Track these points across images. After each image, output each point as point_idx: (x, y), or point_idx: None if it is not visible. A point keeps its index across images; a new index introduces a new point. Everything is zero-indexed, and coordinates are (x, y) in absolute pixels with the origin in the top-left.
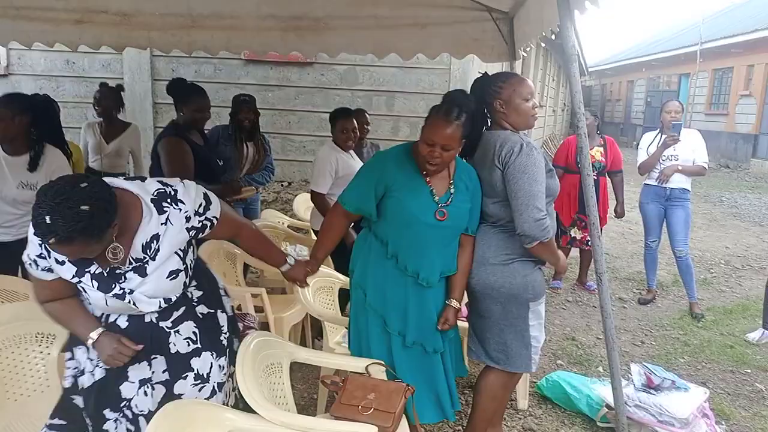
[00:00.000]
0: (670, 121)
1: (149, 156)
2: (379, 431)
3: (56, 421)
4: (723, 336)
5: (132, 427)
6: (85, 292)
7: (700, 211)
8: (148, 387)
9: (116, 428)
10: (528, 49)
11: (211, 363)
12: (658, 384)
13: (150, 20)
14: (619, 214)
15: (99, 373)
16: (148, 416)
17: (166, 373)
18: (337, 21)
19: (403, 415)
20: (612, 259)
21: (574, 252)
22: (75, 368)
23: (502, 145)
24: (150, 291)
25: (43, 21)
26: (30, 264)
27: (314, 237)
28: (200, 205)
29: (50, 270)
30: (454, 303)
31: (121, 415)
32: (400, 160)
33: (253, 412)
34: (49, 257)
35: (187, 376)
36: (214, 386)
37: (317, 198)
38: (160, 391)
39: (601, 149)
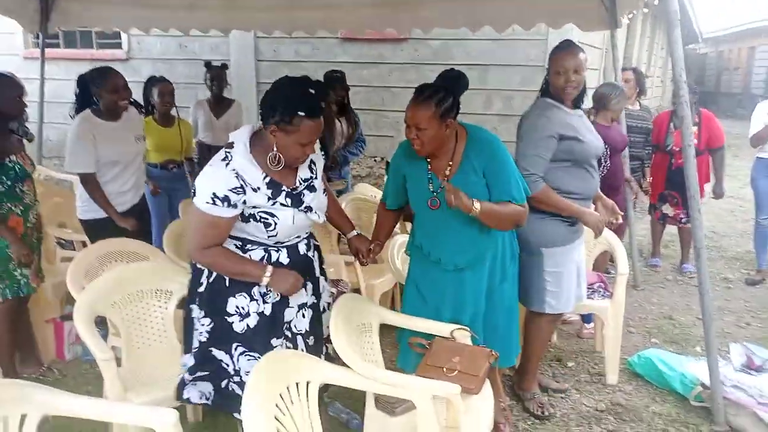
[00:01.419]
0: None
1: None
2: (463, 392)
3: (200, 372)
4: None
5: (290, 345)
6: (275, 217)
7: None
8: (305, 309)
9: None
10: (631, 15)
11: (323, 286)
12: (759, 365)
13: (254, 3)
14: (718, 194)
15: (267, 309)
16: (304, 335)
17: (313, 296)
18: None
19: (487, 379)
20: (719, 237)
21: (673, 229)
22: (212, 324)
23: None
24: (317, 205)
25: (159, 8)
26: (212, 202)
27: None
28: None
29: (235, 206)
30: (476, 205)
31: (284, 338)
32: (406, 150)
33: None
34: (245, 187)
35: (322, 294)
36: (325, 304)
37: None
38: (310, 313)
39: (695, 129)
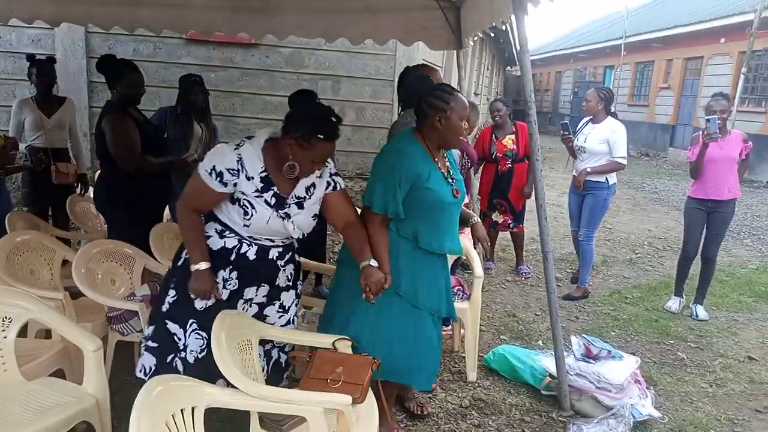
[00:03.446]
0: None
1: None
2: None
3: (151, 343)
4: (648, 311)
5: None
6: (254, 209)
7: (624, 196)
8: (248, 305)
9: None
10: (475, 38)
11: (293, 299)
12: (596, 354)
13: None
14: (527, 194)
15: (225, 295)
16: None
17: (265, 297)
18: (287, 3)
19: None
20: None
21: (507, 235)
22: (175, 296)
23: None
24: (299, 222)
25: None
26: (209, 172)
27: None
28: (334, 169)
29: (226, 184)
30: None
31: None
32: (414, 151)
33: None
34: (241, 172)
35: (275, 303)
36: (291, 318)
37: None
38: (254, 309)
39: (513, 137)
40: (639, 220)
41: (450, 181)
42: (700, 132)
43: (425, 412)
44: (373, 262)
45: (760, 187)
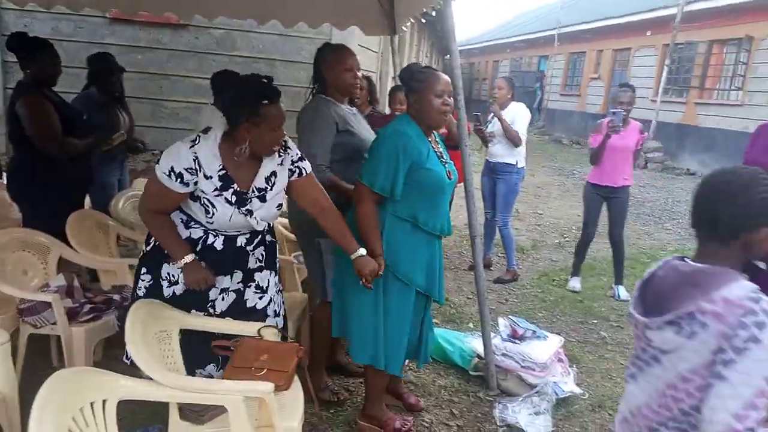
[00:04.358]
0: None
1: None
2: (274, 389)
3: None
4: (574, 293)
5: None
6: (214, 207)
7: (555, 183)
8: (226, 294)
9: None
10: (408, 24)
11: (268, 279)
12: (521, 334)
13: None
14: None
15: None
16: (221, 315)
17: (240, 284)
18: None
19: (296, 375)
20: (464, 227)
21: None
22: (151, 281)
23: None
24: (263, 215)
25: None
26: (168, 173)
27: None
28: (297, 155)
29: (187, 184)
30: None
31: (205, 313)
32: (416, 133)
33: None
34: (198, 171)
35: (251, 285)
36: (271, 297)
37: None
38: (232, 297)
39: None
40: (568, 206)
41: (444, 162)
42: (603, 121)
43: (341, 398)
44: (362, 251)
45: (681, 174)
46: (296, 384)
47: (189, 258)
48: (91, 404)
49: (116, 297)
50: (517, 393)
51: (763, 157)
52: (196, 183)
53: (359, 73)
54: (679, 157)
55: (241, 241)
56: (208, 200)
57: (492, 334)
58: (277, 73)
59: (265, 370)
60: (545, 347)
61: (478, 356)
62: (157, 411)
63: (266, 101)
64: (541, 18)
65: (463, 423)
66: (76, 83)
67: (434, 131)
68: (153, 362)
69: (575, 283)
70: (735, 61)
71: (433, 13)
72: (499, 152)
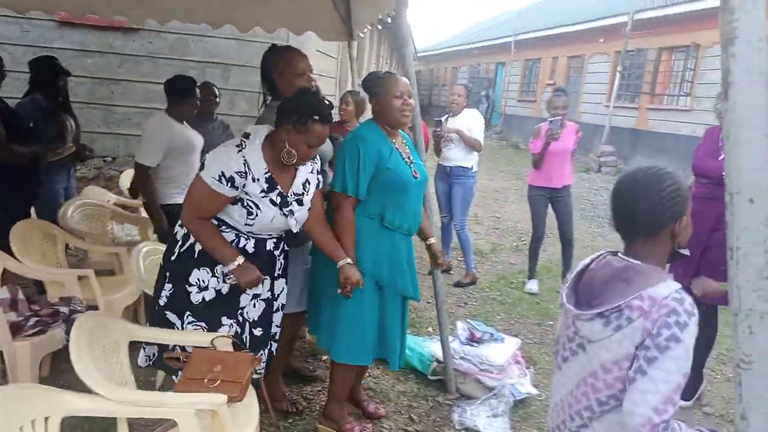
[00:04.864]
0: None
1: None
2: (227, 401)
3: None
4: (531, 295)
5: (240, 329)
6: (259, 209)
7: (513, 187)
8: (257, 300)
9: (228, 332)
10: (365, 30)
11: (283, 287)
12: (479, 337)
13: None
14: None
15: (226, 289)
16: (252, 324)
17: (269, 292)
18: None
19: (251, 385)
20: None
21: None
22: (172, 290)
23: None
24: (299, 217)
25: None
26: (218, 179)
27: (144, 214)
28: (319, 166)
29: (236, 188)
30: (433, 240)
31: (235, 321)
32: (377, 135)
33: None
34: (248, 174)
35: (277, 295)
36: (279, 305)
37: (142, 172)
38: (262, 305)
39: None
40: (526, 210)
41: (409, 162)
42: (541, 126)
43: (299, 407)
44: (349, 259)
45: None
46: (251, 394)
47: (241, 259)
48: (33, 422)
49: (64, 309)
50: (476, 396)
51: (708, 161)
52: (244, 186)
53: (313, 76)
54: (632, 161)
55: (270, 245)
56: (252, 202)
57: (450, 338)
58: (233, 78)
59: (218, 381)
60: (503, 350)
61: (437, 360)
62: (108, 428)
63: (317, 117)
64: (498, 26)
65: (422, 428)
66: (23, 89)
67: (402, 133)
68: (99, 376)
69: (532, 286)
70: (683, 68)
71: (389, 20)
72: (456, 156)
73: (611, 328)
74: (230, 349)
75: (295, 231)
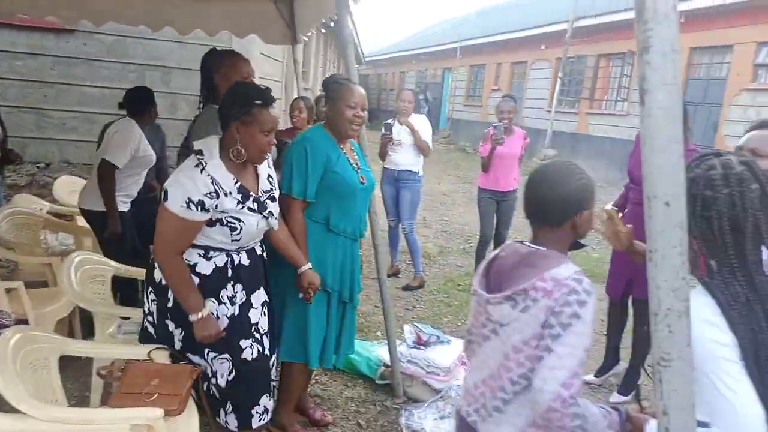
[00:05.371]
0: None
1: None
2: (165, 415)
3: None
4: None
5: (260, 347)
6: (240, 221)
7: (460, 190)
8: (265, 307)
9: (252, 353)
10: (309, 34)
11: (267, 291)
12: (426, 340)
13: None
14: None
15: (236, 311)
16: (265, 334)
17: (267, 294)
18: None
19: (191, 398)
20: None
21: None
22: (182, 334)
23: None
24: (276, 213)
25: None
26: (187, 206)
27: (81, 222)
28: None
29: (208, 210)
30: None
31: (252, 339)
32: (325, 140)
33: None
34: (219, 192)
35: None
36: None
37: (109, 171)
38: (266, 311)
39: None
40: (473, 212)
41: (356, 168)
42: (489, 131)
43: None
44: (309, 264)
45: None
46: (191, 407)
47: (205, 311)
48: None
49: None
50: (423, 399)
51: (638, 169)
52: (216, 207)
53: (254, 80)
54: None
55: (258, 249)
56: (232, 218)
57: (398, 342)
58: (174, 81)
59: (155, 395)
60: (449, 352)
61: (385, 365)
62: None
63: (259, 102)
64: (445, 31)
65: None
66: None
67: (351, 140)
68: (24, 394)
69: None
70: (620, 74)
71: (332, 24)
72: (404, 160)
73: (519, 310)
74: (168, 361)
75: (276, 228)
